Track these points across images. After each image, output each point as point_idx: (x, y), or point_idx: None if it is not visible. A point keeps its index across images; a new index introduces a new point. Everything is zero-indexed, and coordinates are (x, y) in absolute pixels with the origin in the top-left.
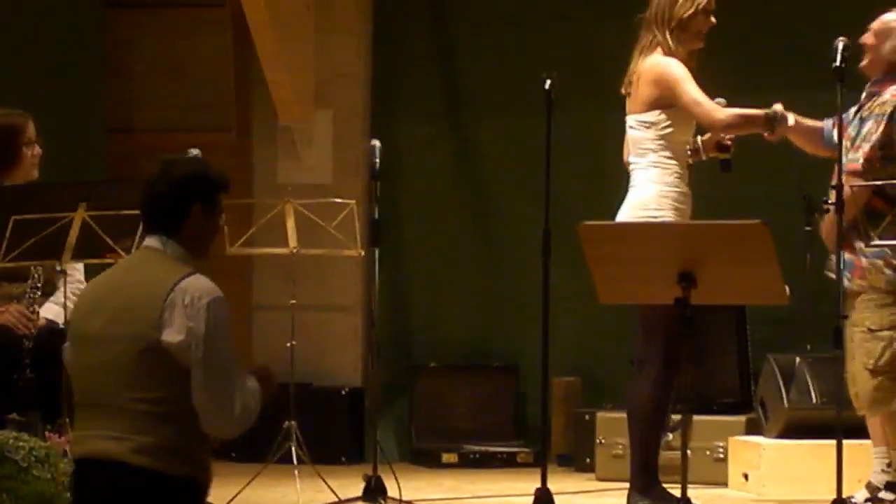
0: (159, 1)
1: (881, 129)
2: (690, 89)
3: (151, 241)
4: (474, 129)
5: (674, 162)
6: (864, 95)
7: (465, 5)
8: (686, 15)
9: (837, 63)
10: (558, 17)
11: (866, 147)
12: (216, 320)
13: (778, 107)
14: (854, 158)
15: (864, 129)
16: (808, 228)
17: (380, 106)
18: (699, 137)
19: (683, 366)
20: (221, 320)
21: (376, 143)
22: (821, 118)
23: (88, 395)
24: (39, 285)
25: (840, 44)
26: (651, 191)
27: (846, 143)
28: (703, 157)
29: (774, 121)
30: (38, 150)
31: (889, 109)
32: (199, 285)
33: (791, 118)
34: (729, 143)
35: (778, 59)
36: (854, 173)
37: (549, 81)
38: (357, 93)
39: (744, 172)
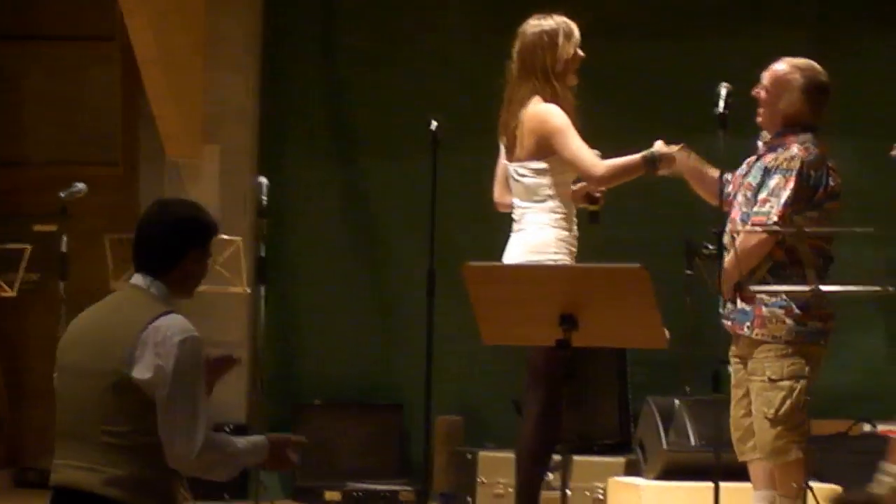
0: (49, 35)
1: (791, 185)
2: (570, 142)
3: (137, 280)
4: (362, 169)
5: (565, 205)
6: (761, 145)
7: (354, 47)
8: (569, 56)
9: (720, 109)
10: (446, 61)
11: (777, 204)
12: (186, 359)
13: (657, 145)
14: (763, 212)
15: (772, 183)
16: (688, 272)
17: (268, 144)
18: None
19: (564, 407)
20: (191, 360)
21: (263, 180)
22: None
23: (66, 425)
24: None
25: (723, 90)
26: (548, 234)
27: (746, 192)
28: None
29: (654, 161)
30: None
31: (797, 165)
32: (172, 324)
33: (683, 155)
34: (598, 195)
35: (661, 103)
36: (762, 227)
37: (435, 123)
38: (245, 130)
39: (625, 215)
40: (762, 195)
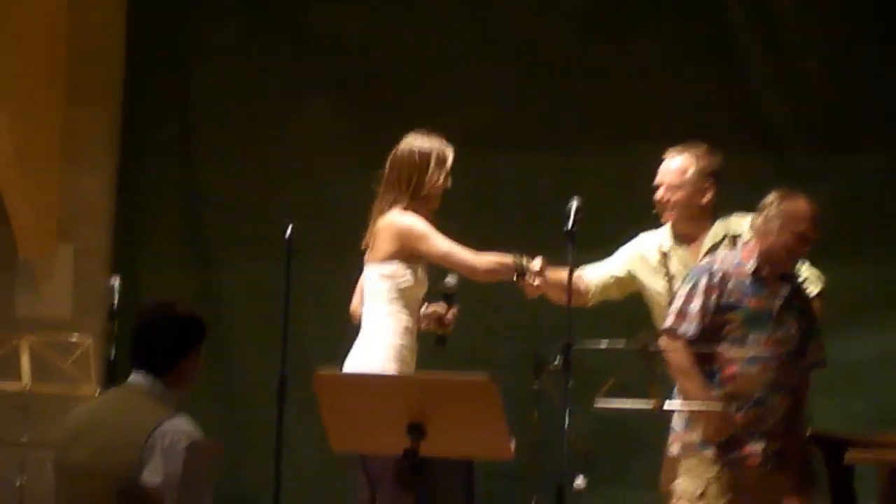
0: None
1: None
2: (439, 242)
3: (138, 378)
4: (216, 272)
5: (406, 315)
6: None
7: (211, 149)
8: (438, 183)
9: (569, 225)
10: (301, 167)
11: None
12: (193, 464)
13: (536, 261)
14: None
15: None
16: (535, 385)
17: (122, 244)
18: (422, 309)
19: None
20: (199, 463)
21: (115, 281)
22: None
23: None
24: None
25: (573, 204)
26: (380, 342)
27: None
28: (420, 327)
29: (522, 270)
30: None
31: None
32: (179, 428)
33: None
34: (448, 319)
35: (512, 215)
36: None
37: (290, 228)
38: (100, 229)
39: (474, 326)
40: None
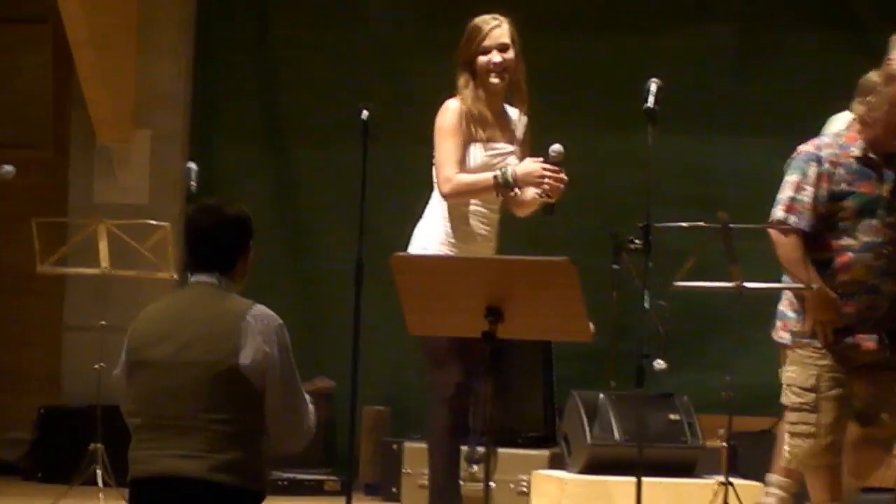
0: None
1: None
2: (441, 146)
3: (205, 278)
4: (293, 157)
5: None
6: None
7: (287, 35)
8: (479, 61)
9: (649, 104)
10: (377, 51)
11: None
12: (285, 343)
13: (522, 166)
14: None
15: None
16: (615, 266)
17: (199, 129)
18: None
19: (489, 399)
20: (287, 343)
21: (193, 165)
22: (630, 158)
23: (157, 417)
24: None
25: (652, 84)
26: (428, 227)
27: None
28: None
29: (507, 183)
30: None
31: None
32: (266, 313)
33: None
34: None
35: (590, 97)
36: None
37: (365, 112)
38: (176, 115)
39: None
40: None
